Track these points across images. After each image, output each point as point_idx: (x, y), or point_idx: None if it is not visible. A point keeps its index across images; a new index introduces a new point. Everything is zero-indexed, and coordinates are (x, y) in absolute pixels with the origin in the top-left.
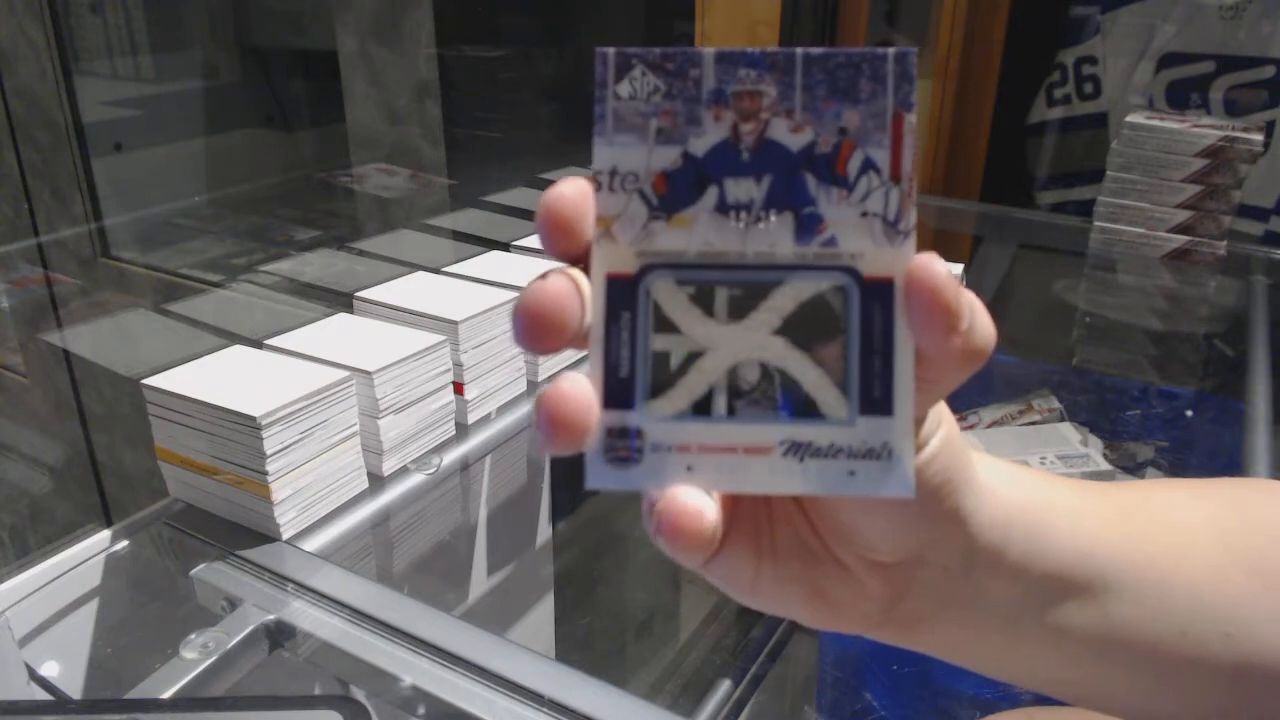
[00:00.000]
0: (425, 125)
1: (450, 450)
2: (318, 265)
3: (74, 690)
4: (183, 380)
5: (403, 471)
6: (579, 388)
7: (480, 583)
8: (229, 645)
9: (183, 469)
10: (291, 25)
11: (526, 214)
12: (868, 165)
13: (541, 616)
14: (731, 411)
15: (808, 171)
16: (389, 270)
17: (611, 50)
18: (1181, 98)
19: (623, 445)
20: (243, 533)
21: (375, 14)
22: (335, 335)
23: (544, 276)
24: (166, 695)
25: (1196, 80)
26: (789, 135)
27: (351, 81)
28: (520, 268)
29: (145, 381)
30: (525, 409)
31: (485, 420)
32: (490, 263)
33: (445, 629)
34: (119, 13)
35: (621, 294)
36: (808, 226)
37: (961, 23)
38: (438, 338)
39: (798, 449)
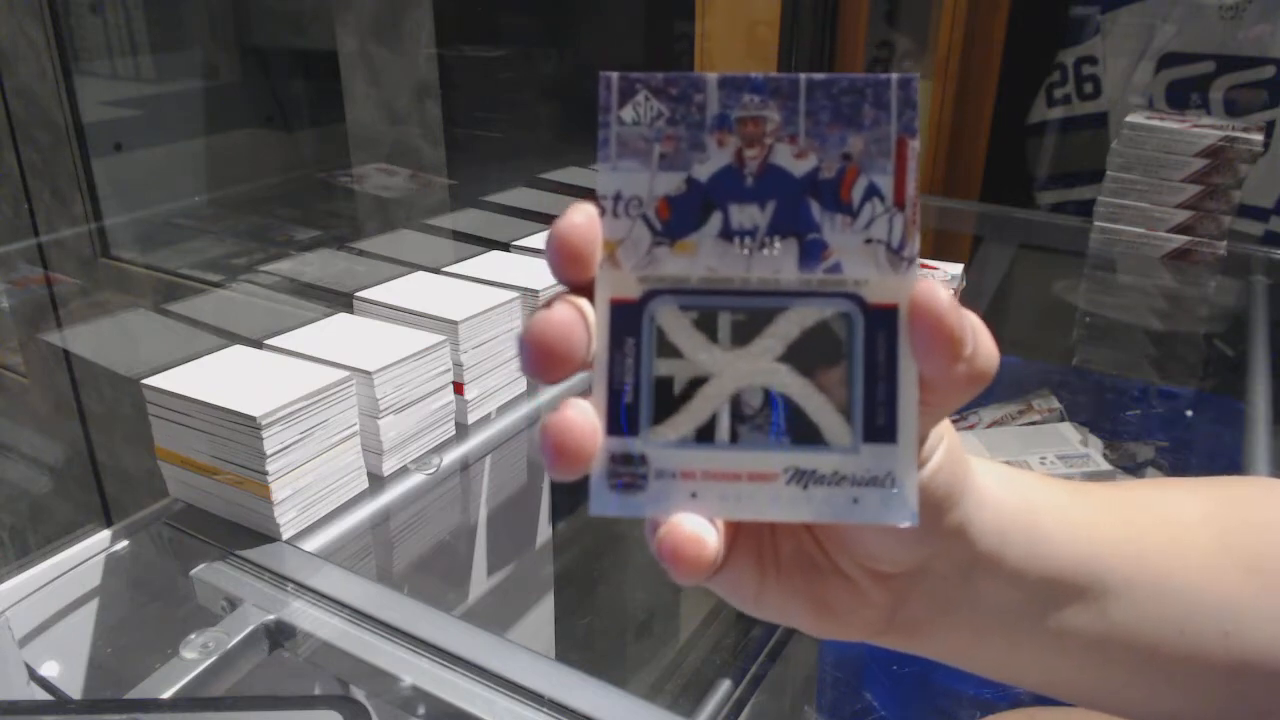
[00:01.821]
0: (425, 125)
1: (450, 450)
2: (318, 265)
3: (74, 690)
4: (183, 380)
5: (403, 471)
6: (583, 414)
7: (480, 583)
8: (229, 645)
9: (183, 469)
10: (291, 25)
11: (526, 214)
12: (871, 191)
13: (541, 616)
14: (735, 438)
15: (811, 197)
16: (389, 270)
17: (615, 75)
18: (1181, 98)
19: (626, 471)
20: (243, 533)
21: (375, 14)
22: (335, 335)
23: (549, 305)
24: (166, 695)
25: (1196, 80)
26: (793, 161)
27: (351, 81)
28: (520, 268)
29: (145, 381)
30: (525, 409)
31: (485, 420)
32: (490, 263)
33: (445, 629)
34: (119, 13)
35: (625, 319)
36: (812, 253)
37: (961, 23)
38: (438, 338)
39: (801, 476)
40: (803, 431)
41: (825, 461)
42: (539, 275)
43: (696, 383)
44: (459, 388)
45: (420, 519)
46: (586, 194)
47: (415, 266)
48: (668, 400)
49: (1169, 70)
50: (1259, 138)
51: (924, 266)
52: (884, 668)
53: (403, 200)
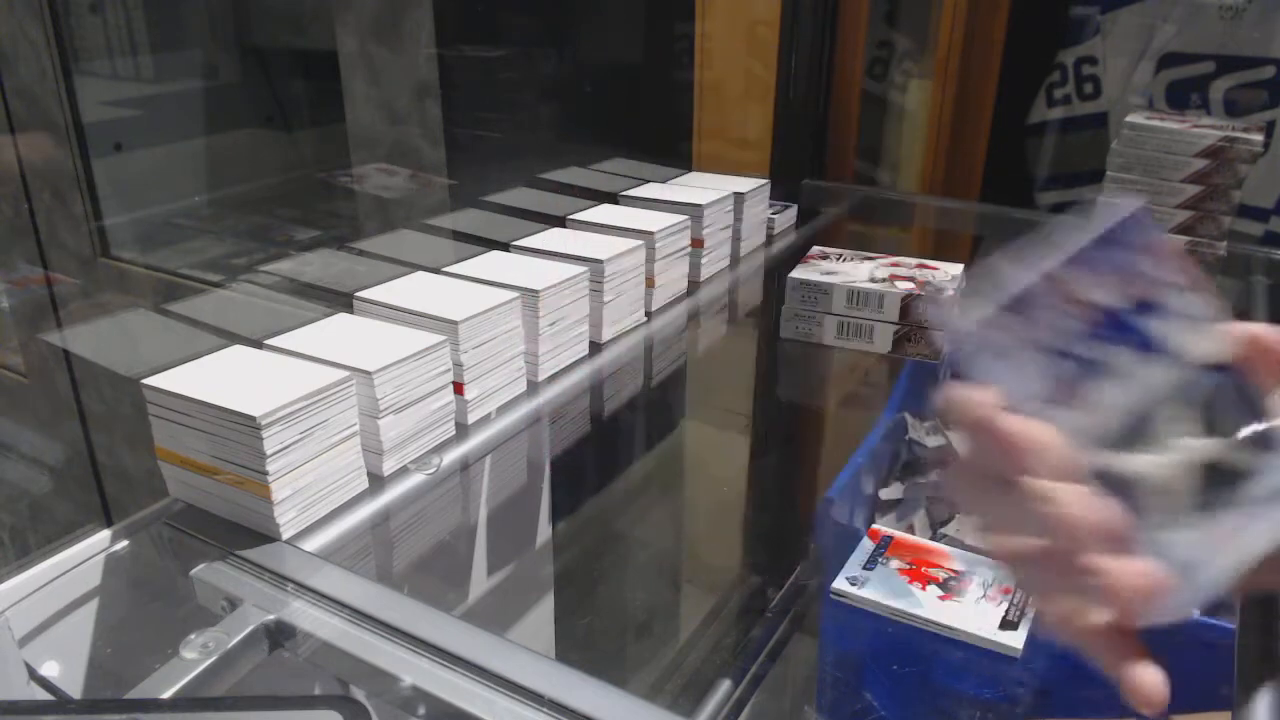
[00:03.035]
0: (425, 125)
1: (450, 450)
2: (318, 265)
3: (74, 690)
4: (183, 380)
5: (403, 471)
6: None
7: (480, 583)
8: (229, 645)
9: (183, 469)
10: (291, 25)
11: (526, 214)
12: (1168, 288)
13: (541, 616)
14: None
15: (1138, 316)
16: (389, 270)
17: (966, 327)
18: (1181, 98)
19: None
20: (243, 533)
21: (375, 14)
22: (335, 335)
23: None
24: (166, 695)
25: (1196, 80)
26: (1114, 300)
27: (351, 81)
28: (520, 268)
29: (145, 381)
30: (525, 409)
31: (485, 420)
32: (490, 263)
33: (445, 629)
34: (119, 13)
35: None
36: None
37: (961, 23)
38: (438, 338)
39: None
40: None
41: None
42: (539, 275)
43: None
44: (459, 388)
45: (420, 519)
46: (587, 194)
47: (415, 266)
48: None
49: (1169, 70)
50: (1259, 138)
51: (924, 267)
52: (884, 668)
53: (403, 200)
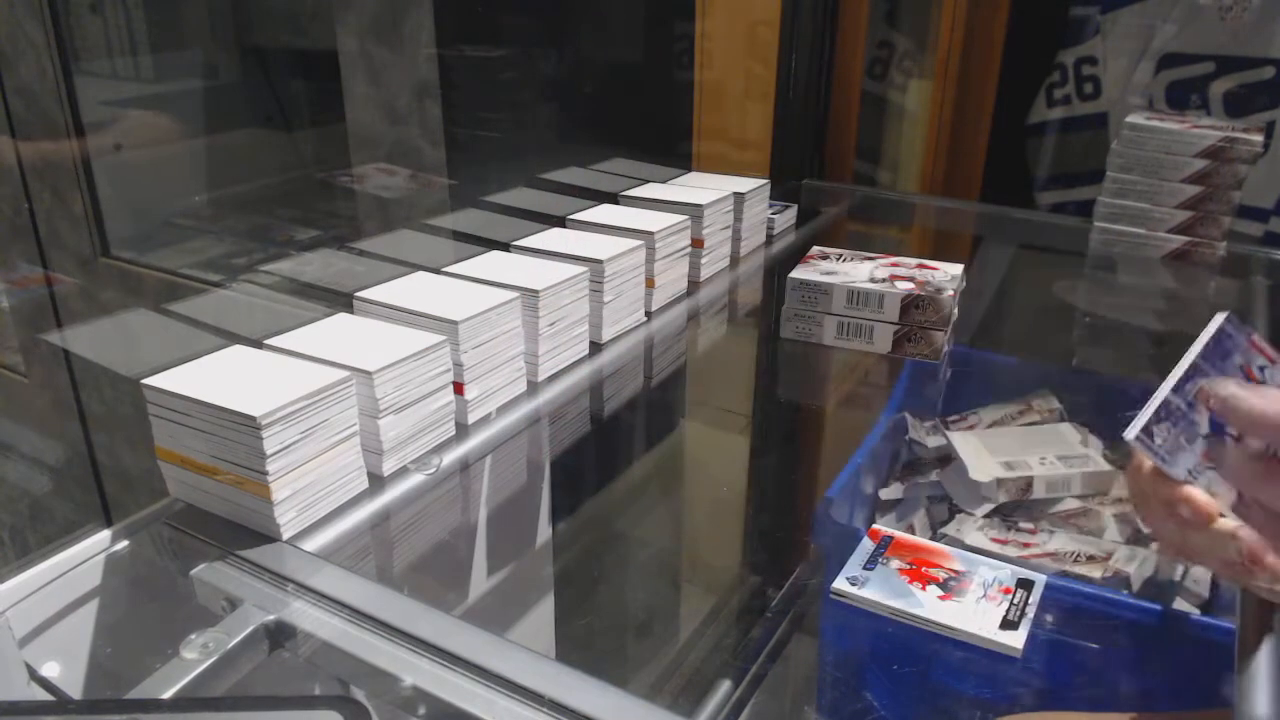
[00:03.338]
0: (425, 125)
1: (450, 450)
2: (318, 265)
3: (74, 690)
4: (183, 380)
5: (403, 472)
6: None
7: (480, 583)
8: (229, 645)
9: (183, 469)
10: (291, 25)
11: (526, 214)
12: (1262, 368)
13: (541, 616)
14: None
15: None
16: (389, 270)
17: (1135, 437)
18: (1181, 98)
19: None
20: (243, 533)
21: (375, 14)
22: (335, 335)
23: None
24: (166, 695)
25: (1196, 80)
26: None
27: (351, 81)
28: (520, 268)
29: (145, 381)
30: (525, 409)
31: (485, 420)
32: (490, 263)
33: (445, 629)
34: (119, 13)
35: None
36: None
37: (961, 23)
38: (438, 338)
39: None
40: None
41: None
42: (539, 275)
43: None
44: (459, 388)
45: (420, 519)
46: (587, 194)
47: (415, 266)
48: None
49: (1169, 70)
50: (1259, 138)
51: (925, 267)
52: (884, 667)
53: (403, 200)
